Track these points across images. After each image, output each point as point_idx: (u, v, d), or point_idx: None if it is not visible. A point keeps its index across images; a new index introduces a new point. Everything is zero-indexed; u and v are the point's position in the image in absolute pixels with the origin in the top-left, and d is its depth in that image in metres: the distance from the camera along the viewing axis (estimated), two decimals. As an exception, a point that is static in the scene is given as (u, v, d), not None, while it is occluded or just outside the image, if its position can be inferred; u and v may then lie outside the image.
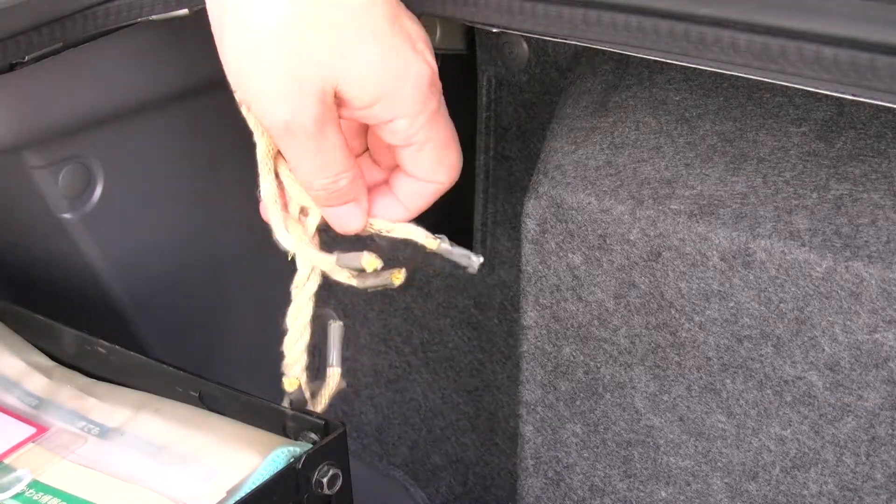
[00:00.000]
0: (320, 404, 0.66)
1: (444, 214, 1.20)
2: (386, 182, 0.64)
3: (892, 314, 0.59)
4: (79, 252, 0.89)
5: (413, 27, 0.59)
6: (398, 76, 0.57)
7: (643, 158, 0.68)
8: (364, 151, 0.65)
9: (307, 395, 0.65)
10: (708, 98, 0.71)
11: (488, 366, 1.02)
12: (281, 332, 0.66)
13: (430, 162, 0.61)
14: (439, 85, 0.59)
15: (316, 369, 1.15)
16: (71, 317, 0.74)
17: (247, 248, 1.00)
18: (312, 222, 0.62)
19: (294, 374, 0.64)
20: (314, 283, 0.63)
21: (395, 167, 0.63)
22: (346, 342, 1.11)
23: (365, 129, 0.64)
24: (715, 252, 0.64)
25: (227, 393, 0.64)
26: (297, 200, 0.62)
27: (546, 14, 0.60)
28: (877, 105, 0.54)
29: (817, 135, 0.67)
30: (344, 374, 0.67)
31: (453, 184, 0.62)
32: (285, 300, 0.65)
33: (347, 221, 0.62)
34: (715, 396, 0.67)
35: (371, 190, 0.63)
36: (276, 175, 0.61)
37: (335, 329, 0.66)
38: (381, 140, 0.61)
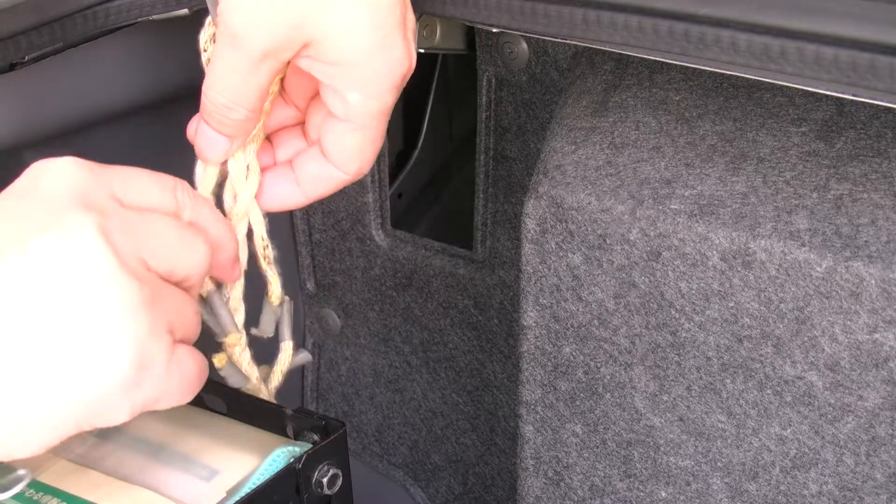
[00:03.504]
0: (273, 382, 0.66)
1: (445, 214, 1.20)
2: (289, 163, 0.62)
3: (892, 314, 0.59)
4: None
5: (412, 19, 0.58)
6: (375, 51, 0.56)
7: (643, 158, 0.68)
8: (300, 124, 0.63)
9: (249, 374, 0.64)
10: (708, 98, 0.71)
11: (488, 366, 1.02)
12: (280, 333, 0.66)
13: (353, 148, 0.59)
14: (404, 84, 0.58)
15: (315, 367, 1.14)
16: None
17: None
18: (240, 208, 0.62)
19: (236, 353, 0.63)
20: (242, 262, 0.63)
21: (304, 148, 0.61)
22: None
23: (312, 95, 0.62)
24: (715, 252, 0.64)
25: (227, 393, 0.64)
26: (231, 181, 0.61)
27: (546, 14, 0.60)
28: (877, 105, 0.54)
29: (817, 135, 0.67)
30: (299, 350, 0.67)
31: (357, 179, 0.61)
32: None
33: (208, 147, 0.59)
34: (715, 396, 0.67)
35: (274, 169, 0.62)
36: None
37: (284, 305, 0.65)
38: (318, 115, 0.60)
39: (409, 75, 0.58)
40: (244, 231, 0.62)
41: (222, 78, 0.56)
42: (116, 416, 0.48)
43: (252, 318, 0.64)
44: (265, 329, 0.65)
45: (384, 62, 0.56)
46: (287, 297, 0.65)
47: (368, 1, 0.55)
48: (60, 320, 0.46)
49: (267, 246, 0.63)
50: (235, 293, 0.63)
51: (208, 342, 0.62)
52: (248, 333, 0.64)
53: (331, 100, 0.58)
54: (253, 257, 0.63)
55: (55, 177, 0.49)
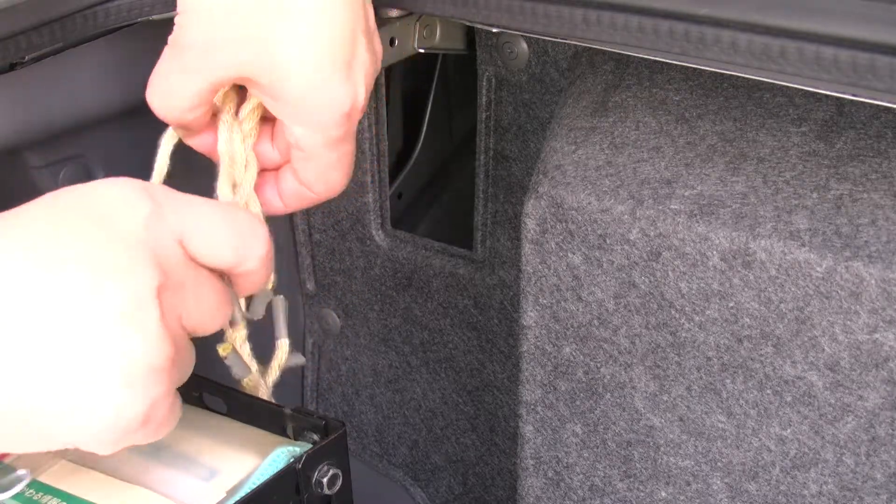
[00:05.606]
0: (271, 376, 0.66)
1: (445, 214, 1.20)
2: (276, 171, 0.64)
3: (892, 314, 0.59)
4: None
5: (362, 56, 0.59)
6: (313, 90, 0.57)
7: (643, 158, 0.68)
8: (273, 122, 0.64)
9: (249, 364, 0.64)
10: (708, 98, 0.71)
11: (488, 366, 1.02)
12: (261, 331, 0.66)
13: (315, 173, 0.61)
14: (357, 118, 0.59)
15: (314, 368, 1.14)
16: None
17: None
18: (239, 198, 0.63)
19: (237, 345, 0.64)
20: None
21: (285, 162, 0.63)
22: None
23: None
24: (715, 252, 0.64)
25: (227, 393, 0.64)
26: (227, 169, 0.63)
27: (546, 14, 0.60)
28: (877, 105, 0.54)
29: (817, 135, 0.67)
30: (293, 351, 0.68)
31: (332, 197, 0.63)
32: (288, 299, 0.66)
33: (186, 137, 0.62)
34: (715, 396, 0.67)
35: (262, 175, 0.64)
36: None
37: (278, 302, 0.66)
38: (283, 135, 0.62)
39: (357, 109, 0.59)
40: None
41: (157, 79, 0.59)
42: (102, 449, 0.50)
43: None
44: (256, 311, 0.65)
45: (323, 100, 0.57)
46: (282, 296, 0.66)
47: (309, 41, 0.56)
48: (89, 357, 0.47)
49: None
50: None
51: (213, 346, 0.62)
52: (260, 330, 0.64)
53: (284, 129, 0.60)
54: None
55: (131, 213, 0.49)
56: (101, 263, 0.47)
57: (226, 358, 0.63)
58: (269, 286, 0.65)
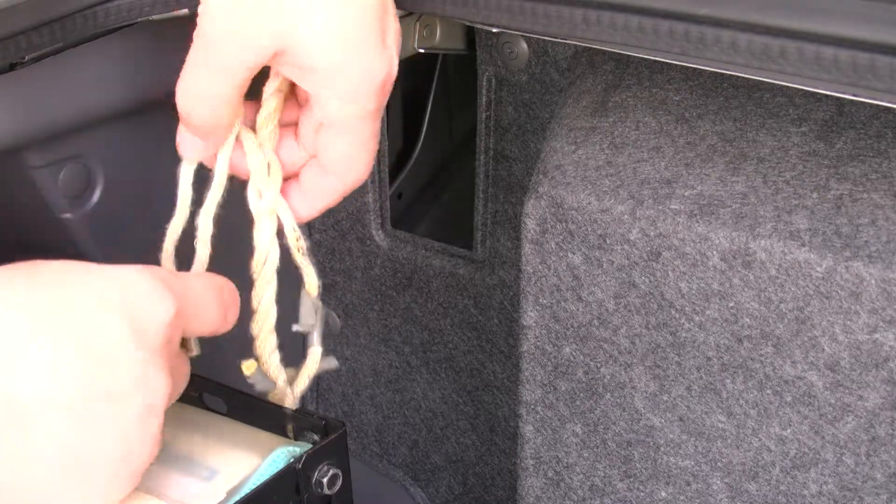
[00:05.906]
0: (300, 386, 0.66)
1: (445, 214, 1.20)
2: (297, 175, 0.63)
3: (892, 314, 0.59)
4: (79, 252, 0.89)
5: (393, 25, 0.58)
6: (349, 59, 0.56)
7: (643, 158, 0.68)
8: (293, 124, 0.64)
9: (276, 378, 0.64)
10: (708, 98, 0.71)
11: (488, 366, 1.02)
12: (281, 333, 0.66)
13: (343, 154, 0.60)
14: (389, 90, 0.59)
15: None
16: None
17: (248, 247, 1.00)
18: (265, 204, 0.62)
19: (266, 355, 0.63)
20: (274, 261, 0.63)
21: (311, 157, 0.62)
22: (337, 330, 1.11)
23: (303, 101, 0.63)
24: (715, 252, 0.64)
25: (227, 393, 0.64)
26: (254, 180, 0.62)
27: (546, 14, 0.60)
28: (877, 105, 0.54)
29: (817, 135, 0.67)
30: (327, 355, 0.67)
31: (355, 187, 0.62)
32: (288, 299, 0.65)
33: (184, 145, 0.62)
34: (715, 396, 0.67)
35: (286, 179, 0.63)
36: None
37: (319, 310, 0.65)
38: (309, 123, 0.61)
39: (391, 81, 0.58)
40: (273, 227, 0.63)
41: (188, 81, 0.58)
42: None
43: (281, 319, 0.64)
44: (306, 322, 0.65)
45: (359, 70, 0.57)
46: (321, 303, 0.65)
47: (341, 9, 0.55)
48: (95, 453, 0.50)
49: (299, 237, 0.63)
50: (267, 296, 0.63)
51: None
52: (282, 332, 0.64)
53: (313, 104, 0.59)
54: (284, 252, 0.63)
55: (156, 317, 0.52)
56: (128, 370, 0.50)
57: (250, 377, 0.63)
58: (314, 292, 0.65)
